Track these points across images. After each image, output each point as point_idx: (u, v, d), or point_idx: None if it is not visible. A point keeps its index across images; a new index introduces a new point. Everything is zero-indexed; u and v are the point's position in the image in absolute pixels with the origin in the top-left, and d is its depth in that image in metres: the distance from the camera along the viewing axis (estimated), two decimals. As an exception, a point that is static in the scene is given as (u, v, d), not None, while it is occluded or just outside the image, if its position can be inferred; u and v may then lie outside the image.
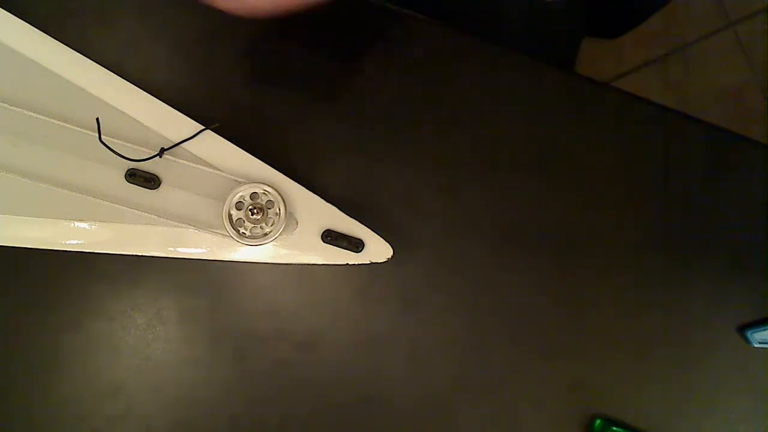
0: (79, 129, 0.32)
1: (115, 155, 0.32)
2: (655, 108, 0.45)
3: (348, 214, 0.43)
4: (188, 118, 0.33)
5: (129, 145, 0.32)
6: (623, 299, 0.44)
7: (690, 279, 0.44)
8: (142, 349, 0.41)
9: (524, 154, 0.44)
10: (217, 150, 0.33)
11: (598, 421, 0.42)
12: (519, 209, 0.43)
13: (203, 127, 0.32)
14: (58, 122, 0.32)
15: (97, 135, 0.32)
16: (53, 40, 0.33)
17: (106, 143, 0.32)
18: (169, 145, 0.32)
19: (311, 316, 0.42)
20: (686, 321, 0.44)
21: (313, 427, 0.42)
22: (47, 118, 0.32)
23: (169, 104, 0.33)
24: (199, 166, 0.33)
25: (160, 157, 0.32)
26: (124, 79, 0.33)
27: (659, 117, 0.45)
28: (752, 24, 1.16)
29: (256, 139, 0.42)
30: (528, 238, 0.43)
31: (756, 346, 0.43)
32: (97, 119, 0.32)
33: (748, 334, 0.43)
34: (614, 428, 0.42)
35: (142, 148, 0.32)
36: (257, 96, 0.42)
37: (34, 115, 0.32)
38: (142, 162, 0.32)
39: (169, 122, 0.33)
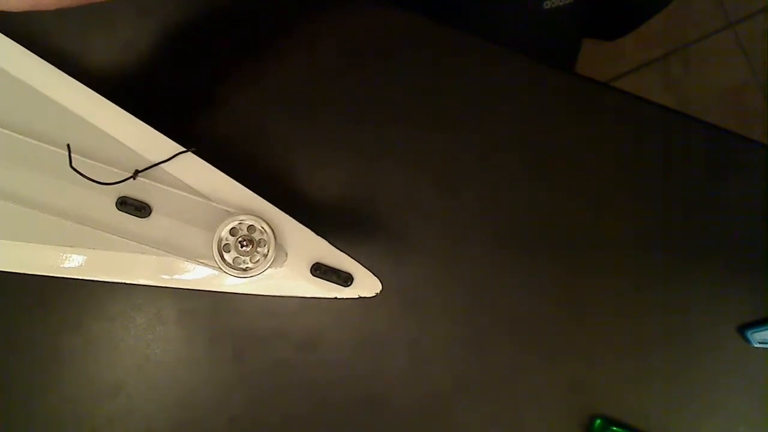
0: (71, 155, 0.32)
1: (103, 181, 0.32)
2: (655, 108, 0.45)
3: (347, 216, 0.43)
4: (170, 140, 0.33)
5: (114, 170, 0.32)
6: (623, 299, 0.44)
7: (690, 279, 0.44)
8: (142, 349, 0.41)
9: (524, 154, 0.44)
10: (208, 178, 0.33)
11: (598, 421, 0.42)
12: (519, 209, 0.43)
13: (183, 149, 0.32)
14: (49, 146, 0.32)
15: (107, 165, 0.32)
16: (43, 61, 0.33)
17: (77, 169, 0.32)
18: (144, 167, 0.32)
19: (311, 316, 0.42)
20: (686, 321, 0.44)
21: (313, 427, 0.42)
22: (39, 143, 0.32)
23: (151, 122, 0.33)
24: (190, 195, 0.33)
25: (134, 179, 0.32)
26: (109, 92, 0.33)
27: (659, 117, 0.45)
28: (752, 24, 1.16)
29: (255, 139, 0.42)
30: (528, 238, 0.43)
31: (756, 346, 0.43)
32: (68, 145, 0.32)
33: (748, 334, 0.43)
34: (614, 428, 0.42)
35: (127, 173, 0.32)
36: (254, 97, 0.42)
37: (26, 138, 0.32)
38: (122, 185, 0.32)
39: (153, 144, 0.33)
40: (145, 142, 0.33)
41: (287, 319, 0.42)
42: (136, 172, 0.32)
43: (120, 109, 0.33)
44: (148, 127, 0.33)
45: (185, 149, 0.32)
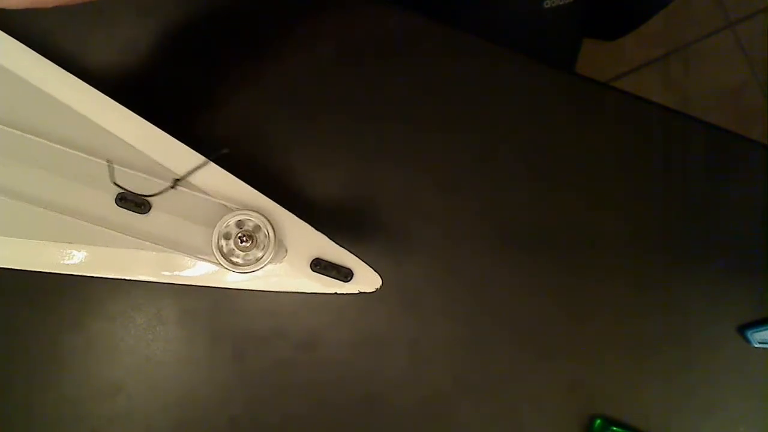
0: (69, 150, 0.32)
1: (108, 179, 0.32)
2: (655, 108, 0.45)
3: (347, 216, 0.43)
4: (182, 143, 0.33)
5: (121, 168, 0.32)
6: (623, 299, 0.44)
7: (690, 279, 0.44)
8: (142, 349, 0.41)
9: (524, 154, 0.44)
10: (208, 175, 0.33)
11: (598, 421, 0.42)
12: (519, 209, 0.43)
13: (221, 151, 0.32)
14: (49, 143, 0.32)
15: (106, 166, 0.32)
16: (43, 58, 0.33)
17: (119, 183, 0.32)
18: (182, 174, 0.32)
19: (311, 316, 0.42)
20: (686, 321, 0.44)
21: (313, 427, 0.42)
22: (37, 138, 0.32)
23: (151, 121, 0.33)
24: (189, 191, 0.33)
25: (174, 188, 0.32)
26: (105, 92, 0.33)
27: (659, 117, 0.45)
28: (752, 24, 1.16)
29: (255, 138, 0.42)
30: (528, 238, 0.43)
31: (756, 346, 0.43)
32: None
33: (748, 334, 0.43)
34: (614, 428, 0.42)
35: (143, 175, 0.32)
36: (254, 97, 0.42)
37: (24, 135, 0.32)
38: (120, 182, 0.32)
39: (152, 141, 0.33)
40: (145, 140, 0.33)
41: (287, 318, 0.42)
42: (175, 182, 0.32)
43: (120, 105, 0.33)
44: (149, 124, 0.33)
45: (219, 152, 0.32)
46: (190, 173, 0.32)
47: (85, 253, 0.33)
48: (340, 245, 0.33)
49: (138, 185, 0.32)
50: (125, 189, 0.32)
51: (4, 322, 0.41)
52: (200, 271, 0.33)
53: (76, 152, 0.32)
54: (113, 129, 0.33)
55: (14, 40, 0.33)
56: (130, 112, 0.33)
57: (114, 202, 0.32)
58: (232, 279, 0.33)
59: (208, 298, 0.41)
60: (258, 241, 0.32)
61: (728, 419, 0.43)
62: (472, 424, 0.42)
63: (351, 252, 0.33)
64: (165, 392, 0.41)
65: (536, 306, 0.43)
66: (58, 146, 0.32)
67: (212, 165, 0.33)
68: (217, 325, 0.41)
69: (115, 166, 0.32)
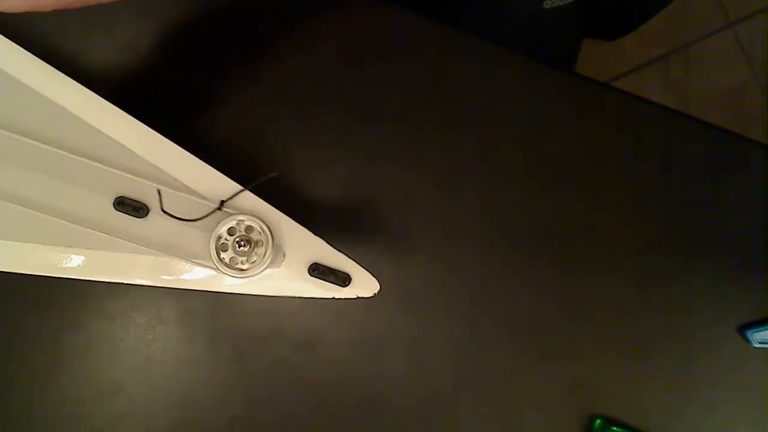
0: (67, 154, 0.32)
1: (105, 183, 0.32)
2: (655, 108, 0.45)
3: (346, 216, 0.43)
4: (176, 145, 0.33)
5: (113, 170, 0.32)
6: (623, 299, 0.44)
7: (690, 279, 0.44)
8: (142, 349, 0.41)
9: (524, 154, 0.44)
10: (205, 178, 0.33)
11: (598, 421, 0.42)
12: (519, 209, 0.43)
13: (273, 174, 0.32)
14: (47, 146, 0.32)
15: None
16: (41, 61, 0.33)
17: (168, 211, 0.32)
18: (228, 196, 0.32)
19: (311, 316, 0.42)
20: (686, 321, 0.44)
21: (313, 427, 0.42)
22: (35, 142, 0.32)
23: (151, 122, 0.33)
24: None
25: (221, 210, 0.32)
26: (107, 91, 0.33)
27: (659, 117, 0.45)
28: (752, 24, 1.16)
29: (255, 139, 0.42)
30: (528, 238, 0.43)
31: (756, 346, 0.43)
32: (159, 191, 0.32)
33: (748, 334, 0.43)
34: (614, 428, 0.42)
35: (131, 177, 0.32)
36: (254, 97, 0.42)
37: (23, 138, 0.32)
38: (118, 183, 0.32)
39: (150, 145, 0.33)
40: (142, 141, 0.33)
41: (287, 319, 0.42)
42: (222, 203, 0.32)
43: (118, 109, 0.33)
44: (142, 124, 0.33)
45: (268, 175, 0.32)
46: (233, 196, 0.32)
47: (83, 257, 0.33)
48: (339, 250, 0.33)
49: (182, 209, 0.32)
50: (172, 215, 0.32)
51: (4, 322, 0.41)
52: (198, 276, 0.33)
53: (75, 156, 0.32)
54: (110, 132, 0.33)
55: (12, 42, 0.33)
56: (128, 115, 0.33)
57: (112, 206, 0.32)
58: (230, 283, 0.33)
59: (207, 298, 0.41)
60: (256, 245, 0.32)
61: (728, 419, 0.43)
62: (472, 425, 0.42)
63: (349, 257, 0.33)
64: (165, 392, 0.41)
65: (536, 306, 0.43)
66: (57, 150, 0.32)
67: (211, 168, 0.33)
68: (217, 325, 0.41)
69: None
